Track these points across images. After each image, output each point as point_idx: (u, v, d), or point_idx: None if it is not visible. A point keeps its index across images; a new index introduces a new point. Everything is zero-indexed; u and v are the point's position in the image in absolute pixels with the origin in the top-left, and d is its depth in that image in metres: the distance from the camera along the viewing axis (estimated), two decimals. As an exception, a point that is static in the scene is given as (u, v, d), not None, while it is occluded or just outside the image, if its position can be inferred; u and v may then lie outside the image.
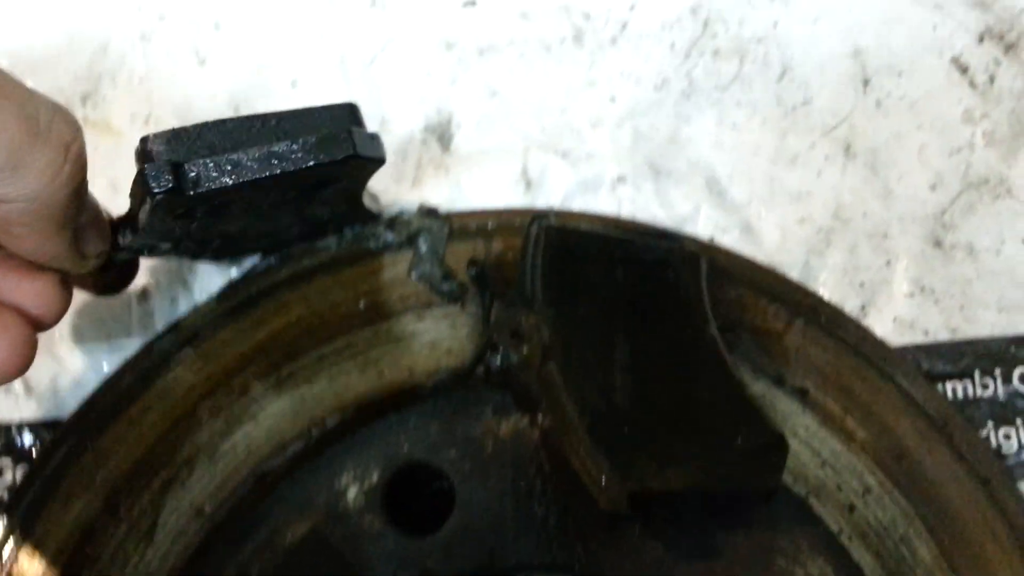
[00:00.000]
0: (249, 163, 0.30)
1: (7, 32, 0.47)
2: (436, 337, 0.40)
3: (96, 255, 0.33)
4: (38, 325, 0.33)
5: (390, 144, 0.45)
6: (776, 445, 0.34)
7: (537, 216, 0.41)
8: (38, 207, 0.29)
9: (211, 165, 0.30)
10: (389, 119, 0.47)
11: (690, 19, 0.48)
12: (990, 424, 0.41)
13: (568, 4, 0.49)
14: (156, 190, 0.30)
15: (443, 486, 0.35)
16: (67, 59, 0.47)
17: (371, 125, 0.45)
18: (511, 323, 0.37)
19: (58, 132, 0.29)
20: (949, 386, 0.41)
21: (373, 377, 0.40)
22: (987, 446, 0.39)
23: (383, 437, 0.36)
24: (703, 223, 0.45)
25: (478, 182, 0.45)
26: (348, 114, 0.33)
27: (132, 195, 0.32)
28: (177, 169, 0.30)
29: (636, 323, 0.37)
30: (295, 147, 0.31)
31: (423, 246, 0.41)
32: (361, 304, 0.41)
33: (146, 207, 0.31)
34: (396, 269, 0.41)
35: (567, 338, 0.36)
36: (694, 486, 0.33)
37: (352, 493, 0.36)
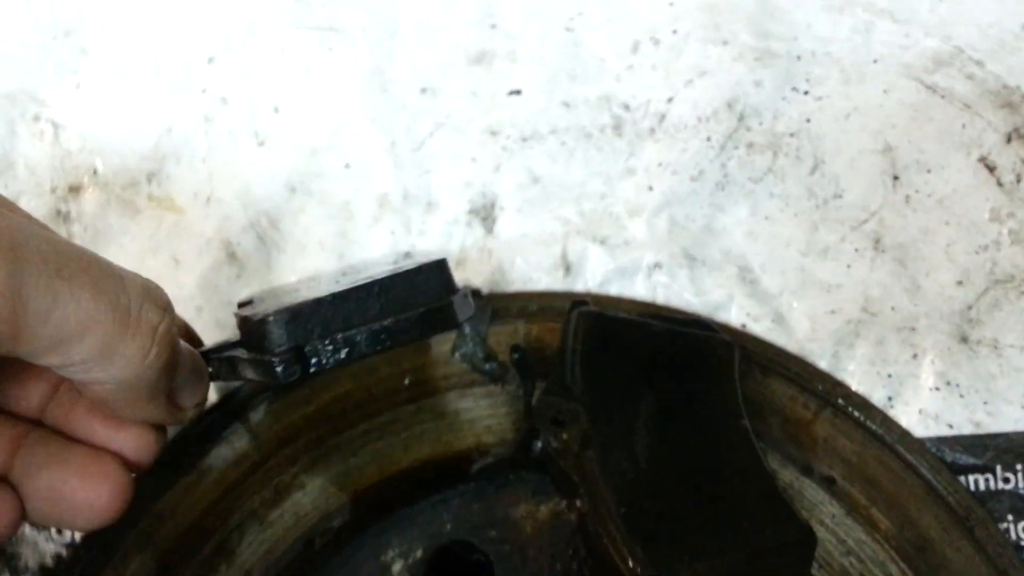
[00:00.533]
0: (361, 340, 0.34)
1: (81, 114, 0.51)
2: (477, 415, 0.43)
3: (194, 406, 0.35)
4: (135, 468, 0.35)
5: (436, 226, 0.48)
6: (805, 541, 0.36)
7: (577, 301, 0.44)
8: (129, 386, 0.31)
9: (329, 347, 0.34)
10: (435, 202, 0.49)
11: (726, 112, 0.51)
12: (1010, 518, 0.42)
13: (609, 94, 0.51)
14: (284, 380, 0.33)
15: (481, 561, 0.38)
16: (135, 140, 0.50)
17: (418, 208, 0.48)
18: (551, 409, 0.39)
19: (147, 318, 0.30)
20: (972, 479, 0.43)
21: (415, 451, 0.42)
22: (1007, 540, 0.41)
23: (426, 515, 0.39)
24: (735, 311, 0.47)
25: (519, 265, 0.48)
26: (440, 275, 0.36)
27: (249, 367, 0.35)
28: (299, 353, 0.33)
29: (671, 411, 0.40)
30: (403, 323, 0.34)
31: (466, 327, 0.44)
32: (406, 381, 0.43)
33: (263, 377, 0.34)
34: (440, 349, 0.44)
35: (605, 426, 0.38)
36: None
37: (397, 568, 0.38)
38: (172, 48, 0.52)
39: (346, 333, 0.34)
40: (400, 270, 0.36)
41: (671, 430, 0.38)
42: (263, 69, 0.51)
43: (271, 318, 0.33)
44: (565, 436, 0.37)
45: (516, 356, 0.42)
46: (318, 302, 0.34)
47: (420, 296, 0.35)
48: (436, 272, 0.36)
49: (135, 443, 0.35)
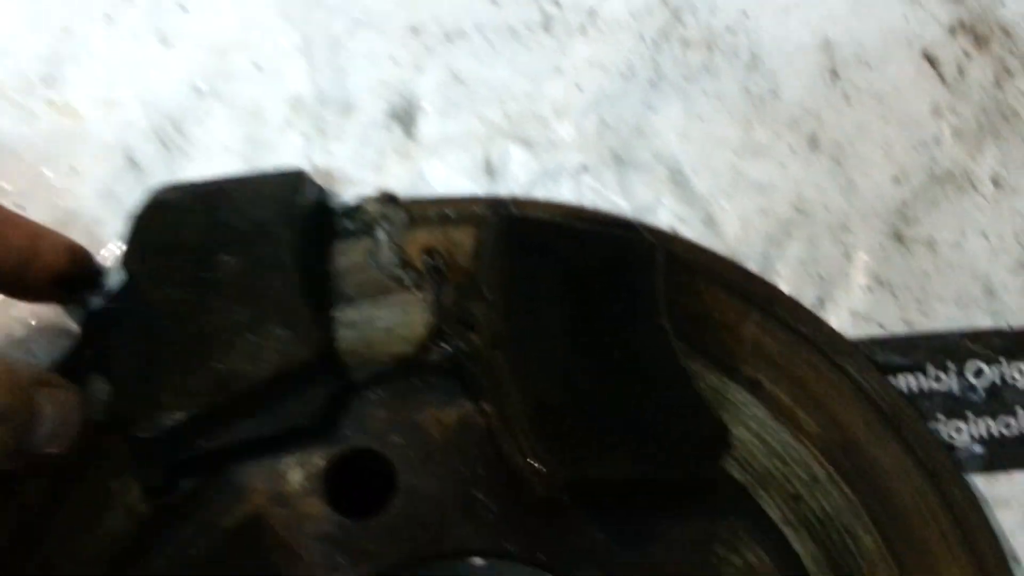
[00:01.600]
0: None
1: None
2: (392, 323, 0.42)
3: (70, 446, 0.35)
4: None
5: (353, 129, 0.47)
6: (717, 436, 0.36)
7: (495, 204, 0.43)
8: None
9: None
10: (352, 104, 0.48)
11: (660, 7, 0.50)
12: (941, 417, 0.42)
13: (537, -10, 0.50)
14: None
15: (387, 471, 0.37)
16: (29, 41, 0.48)
17: (335, 111, 0.47)
18: (462, 312, 0.38)
19: None
20: (903, 379, 0.43)
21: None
22: (937, 439, 0.41)
23: (326, 424, 0.38)
24: (665, 214, 0.46)
25: (440, 169, 0.47)
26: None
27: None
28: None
29: (588, 313, 0.39)
30: None
31: (381, 235, 0.43)
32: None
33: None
34: (354, 256, 0.43)
35: (517, 327, 0.37)
36: (633, 475, 0.35)
37: (296, 477, 0.37)
38: (70, -56, 0.50)
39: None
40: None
41: (587, 332, 0.38)
42: (167, -35, 0.49)
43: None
44: (474, 337, 0.37)
45: (428, 260, 0.41)
46: None
47: None
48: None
49: None
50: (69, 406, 0.35)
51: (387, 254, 0.43)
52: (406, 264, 0.43)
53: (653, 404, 0.36)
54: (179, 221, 0.40)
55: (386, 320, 0.42)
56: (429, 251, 0.42)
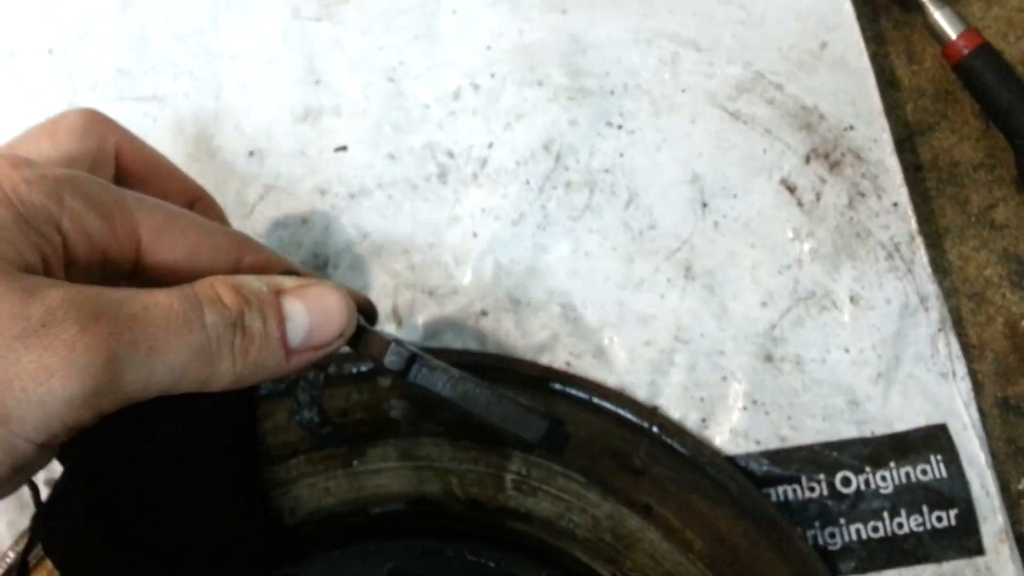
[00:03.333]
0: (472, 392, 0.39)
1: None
2: (315, 480, 0.46)
3: (339, 336, 0.38)
4: None
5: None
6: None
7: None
8: (241, 383, 0.36)
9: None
10: (270, 263, 0.52)
11: (543, 154, 0.55)
12: (817, 524, 0.48)
13: (433, 142, 0.55)
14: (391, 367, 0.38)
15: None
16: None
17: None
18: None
19: (226, 341, 0.34)
20: (781, 490, 0.48)
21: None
22: (810, 547, 0.46)
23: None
24: (561, 350, 0.51)
25: (353, 323, 0.51)
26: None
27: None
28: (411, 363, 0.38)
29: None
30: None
31: (301, 394, 0.47)
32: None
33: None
34: (277, 417, 0.47)
35: None
36: None
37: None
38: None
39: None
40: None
41: None
42: (87, 147, 0.54)
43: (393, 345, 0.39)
44: None
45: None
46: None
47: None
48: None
49: None
50: (320, 304, 0.37)
51: (308, 413, 0.47)
52: (325, 422, 0.47)
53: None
54: None
55: (310, 477, 0.47)
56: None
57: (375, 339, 0.40)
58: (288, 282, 0.37)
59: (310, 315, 0.37)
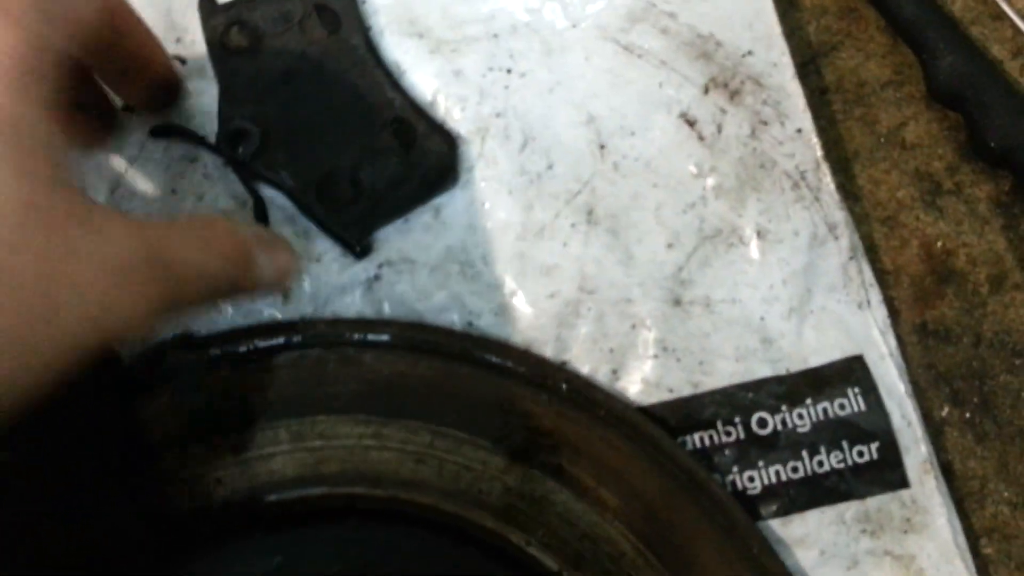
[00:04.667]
0: None
1: None
2: (204, 469, 0.44)
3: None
4: None
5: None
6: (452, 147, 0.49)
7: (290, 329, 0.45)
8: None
9: None
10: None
11: (429, 107, 0.52)
12: (735, 469, 0.46)
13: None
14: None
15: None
16: None
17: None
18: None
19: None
20: (697, 436, 0.46)
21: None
22: (727, 494, 0.45)
23: None
24: (460, 311, 0.49)
25: (237, 299, 0.49)
26: None
27: None
28: None
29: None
30: None
31: (182, 381, 0.45)
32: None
33: None
34: (157, 406, 0.45)
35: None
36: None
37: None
38: None
39: None
40: None
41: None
42: None
43: None
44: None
45: None
46: None
47: None
48: None
49: None
50: (284, 261, 0.43)
51: (189, 400, 0.45)
52: (210, 407, 0.45)
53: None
54: None
55: (198, 467, 0.44)
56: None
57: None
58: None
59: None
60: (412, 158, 0.50)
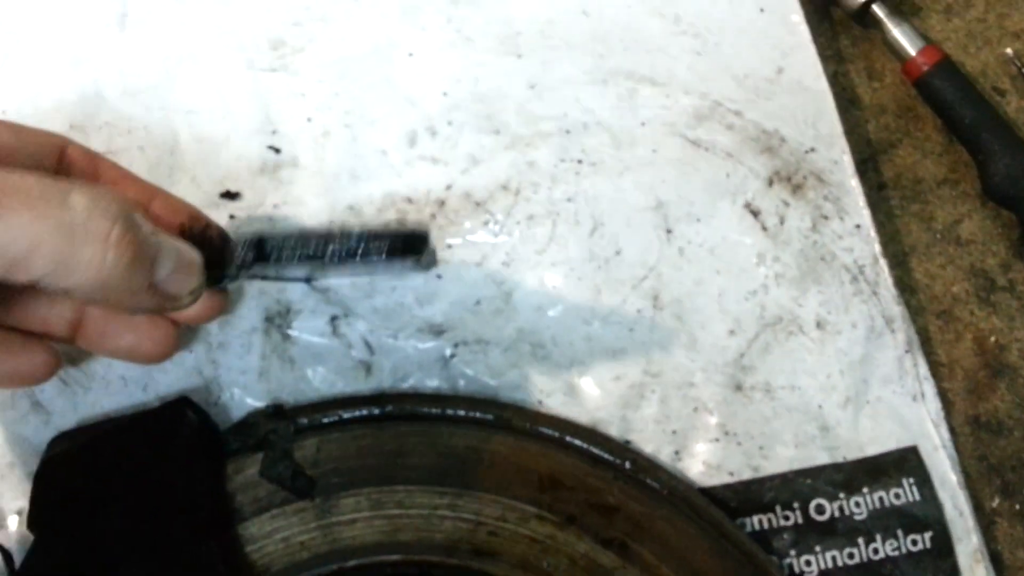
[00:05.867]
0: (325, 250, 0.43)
1: None
2: (288, 534, 0.47)
3: (188, 294, 0.40)
4: (153, 360, 0.46)
5: (233, 336, 0.52)
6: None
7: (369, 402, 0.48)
8: (101, 288, 0.36)
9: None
10: (231, 311, 0.53)
11: (502, 193, 0.55)
12: (793, 552, 0.48)
13: (391, 191, 0.55)
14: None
15: None
16: None
17: (217, 321, 0.51)
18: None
19: (95, 227, 0.35)
20: (756, 519, 0.49)
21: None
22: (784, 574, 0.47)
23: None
24: (531, 390, 0.51)
25: (320, 371, 0.52)
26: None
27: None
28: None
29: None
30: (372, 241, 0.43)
31: (272, 449, 0.48)
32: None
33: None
34: (248, 472, 0.47)
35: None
36: None
37: None
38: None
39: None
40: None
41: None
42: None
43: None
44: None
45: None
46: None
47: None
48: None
49: (148, 337, 0.45)
50: (188, 255, 0.40)
51: (280, 467, 0.48)
52: (297, 474, 0.48)
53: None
54: (70, 475, 0.45)
55: (284, 531, 0.47)
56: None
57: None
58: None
59: (177, 261, 0.39)
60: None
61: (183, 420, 0.46)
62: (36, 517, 0.44)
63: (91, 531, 0.43)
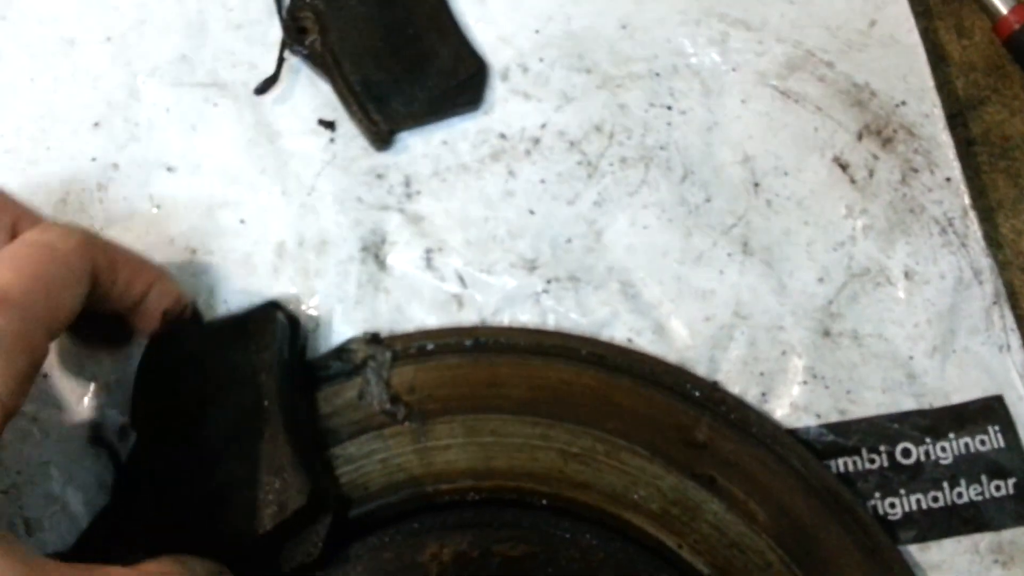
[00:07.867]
0: None
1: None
2: (386, 455, 0.48)
3: None
4: None
5: (331, 265, 0.52)
6: (480, 70, 0.55)
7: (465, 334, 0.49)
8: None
9: None
10: (328, 240, 0.53)
11: (596, 134, 0.56)
12: (877, 495, 0.49)
13: (486, 127, 0.56)
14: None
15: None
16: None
17: (312, 247, 0.52)
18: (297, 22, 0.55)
19: None
20: (841, 462, 0.49)
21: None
22: (872, 517, 0.47)
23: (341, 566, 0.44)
24: (620, 328, 0.52)
25: (414, 302, 0.52)
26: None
27: None
28: None
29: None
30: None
31: (370, 374, 0.49)
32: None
33: None
34: (346, 396, 0.48)
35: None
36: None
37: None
38: (58, 118, 0.55)
39: None
40: None
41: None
42: (150, 131, 0.55)
43: None
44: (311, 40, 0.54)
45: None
46: None
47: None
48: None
49: None
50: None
51: (376, 391, 0.49)
52: (395, 399, 0.48)
53: (435, 59, 0.55)
54: (171, 377, 0.46)
55: (381, 453, 0.48)
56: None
57: None
58: None
59: None
60: (439, 76, 0.55)
61: (274, 320, 0.47)
62: (138, 416, 0.45)
63: (188, 429, 0.44)
